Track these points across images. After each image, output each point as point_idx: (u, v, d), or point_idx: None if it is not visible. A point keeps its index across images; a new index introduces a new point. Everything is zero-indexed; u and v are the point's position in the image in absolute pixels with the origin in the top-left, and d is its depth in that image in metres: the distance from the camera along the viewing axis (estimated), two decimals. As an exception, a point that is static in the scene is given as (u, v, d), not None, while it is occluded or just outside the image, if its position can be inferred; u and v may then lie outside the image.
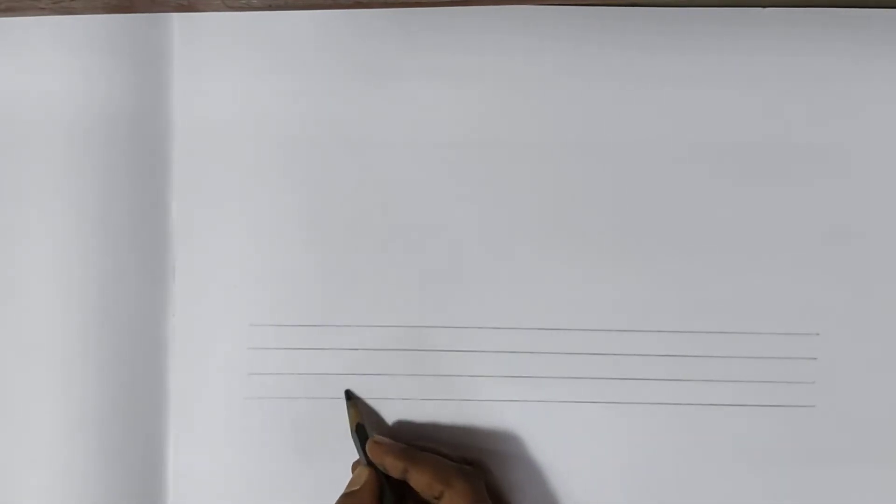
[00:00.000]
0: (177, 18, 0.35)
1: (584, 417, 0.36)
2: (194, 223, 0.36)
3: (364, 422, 0.34)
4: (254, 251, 0.36)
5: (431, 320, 0.36)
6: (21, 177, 0.35)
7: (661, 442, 0.36)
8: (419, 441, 0.35)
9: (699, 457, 0.36)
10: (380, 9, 0.35)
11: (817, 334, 0.36)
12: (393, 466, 0.32)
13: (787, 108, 0.35)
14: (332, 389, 0.36)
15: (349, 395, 0.35)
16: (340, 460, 0.35)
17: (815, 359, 0.36)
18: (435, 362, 0.36)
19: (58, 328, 0.35)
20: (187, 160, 0.36)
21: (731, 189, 0.35)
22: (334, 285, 0.36)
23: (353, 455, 0.35)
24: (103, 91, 0.35)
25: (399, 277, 0.36)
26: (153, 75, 0.35)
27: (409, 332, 0.36)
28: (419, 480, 0.31)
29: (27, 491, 0.35)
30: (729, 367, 0.36)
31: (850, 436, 0.35)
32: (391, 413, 0.36)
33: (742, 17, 0.35)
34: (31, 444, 0.35)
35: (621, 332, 0.36)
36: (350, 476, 0.34)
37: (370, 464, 0.33)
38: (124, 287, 0.35)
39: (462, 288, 0.36)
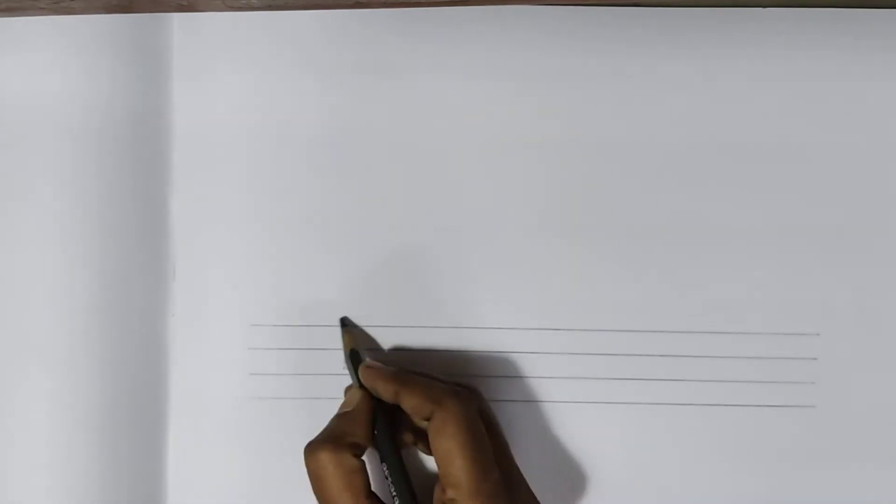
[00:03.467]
0: (177, 18, 0.35)
1: (582, 417, 0.36)
2: (194, 223, 0.36)
3: (358, 347, 0.35)
4: (254, 251, 0.36)
5: (432, 320, 0.36)
6: (20, 177, 0.35)
7: (661, 442, 0.36)
8: (413, 367, 0.34)
9: (699, 457, 0.36)
10: (380, 9, 0.35)
11: (817, 334, 0.36)
12: (384, 390, 0.32)
13: (787, 108, 0.35)
14: (332, 389, 0.36)
15: (344, 322, 0.35)
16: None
17: (815, 359, 0.36)
18: (437, 358, 0.36)
19: (58, 328, 0.35)
20: (187, 160, 0.36)
21: (731, 189, 0.35)
22: (335, 285, 0.36)
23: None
24: (103, 91, 0.35)
25: (401, 277, 0.36)
26: (153, 75, 0.35)
27: (408, 332, 0.36)
28: (410, 402, 0.31)
29: (27, 491, 0.35)
30: (729, 367, 0.35)
31: (850, 436, 0.35)
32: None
33: (742, 17, 0.35)
34: (31, 444, 0.35)
35: (621, 332, 0.36)
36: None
37: (363, 388, 0.33)
38: (124, 287, 0.35)
39: (464, 287, 0.36)
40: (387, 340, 0.36)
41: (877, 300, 0.35)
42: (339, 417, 0.33)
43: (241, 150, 0.36)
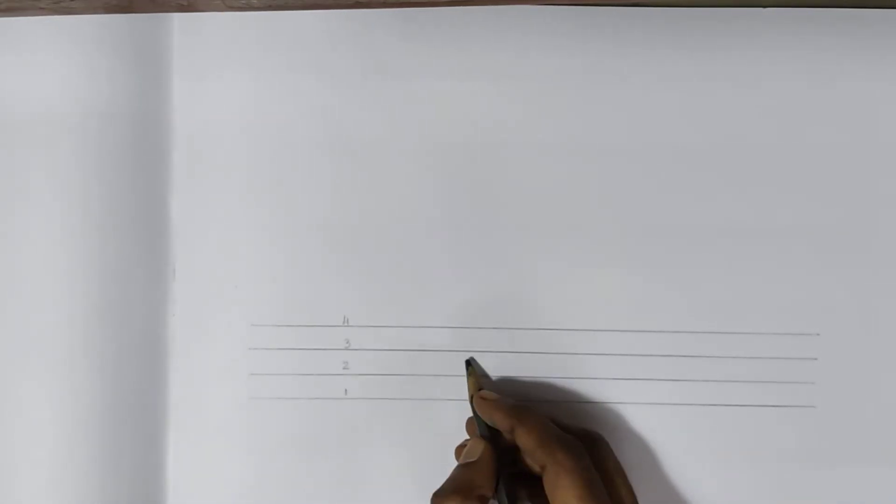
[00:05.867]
0: (177, 18, 0.35)
1: (581, 417, 0.36)
2: (194, 223, 0.36)
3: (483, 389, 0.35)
4: (254, 251, 0.36)
5: (432, 320, 0.36)
6: (20, 177, 0.35)
7: (661, 442, 0.36)
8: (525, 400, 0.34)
9: (698, 457, 0.36)
10: (381, 9, 0.35)
11: (817, 334, 0.36)
12: (501, 421, 0.33)
13: (787, 108, 0.35)
14: (331, 389, 0.36)
15: (469, 364, 0.35)
16: (341, 461, 0.35)
17: (815, 359, 0.36)
18: (433, 360, 0.36)
19: (58, 328, 0.35)
20: (187, 160, 0.36)
21: (731, 189, 0.35)
22: (335, 285, 0.36)
23: (353, 458, 0.35)
24: (103, 91, 0.35)
25: (401, 277, 0.36)
26: (153, 75, 0.35)
27: (409, 332, 0.36)
28: (526, 441, 0.32)
29: (27, 491, 0.35)
30: (729, 367, 0.36)
31: (850, 436, 0.35)
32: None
33: (742, 17, 0.35)
34: (31, 444, 0.35)
35: (620, 332, 0.36)
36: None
37: (484, 437, 0.33)
38: (124, 287, 0.35)
39: (463, 287, 0.36)
40: (391, 342, 0.36)
41: (877, 300, 0.35)
42: (464, 467, 0.32)
43: (241, 149, 0.36)
